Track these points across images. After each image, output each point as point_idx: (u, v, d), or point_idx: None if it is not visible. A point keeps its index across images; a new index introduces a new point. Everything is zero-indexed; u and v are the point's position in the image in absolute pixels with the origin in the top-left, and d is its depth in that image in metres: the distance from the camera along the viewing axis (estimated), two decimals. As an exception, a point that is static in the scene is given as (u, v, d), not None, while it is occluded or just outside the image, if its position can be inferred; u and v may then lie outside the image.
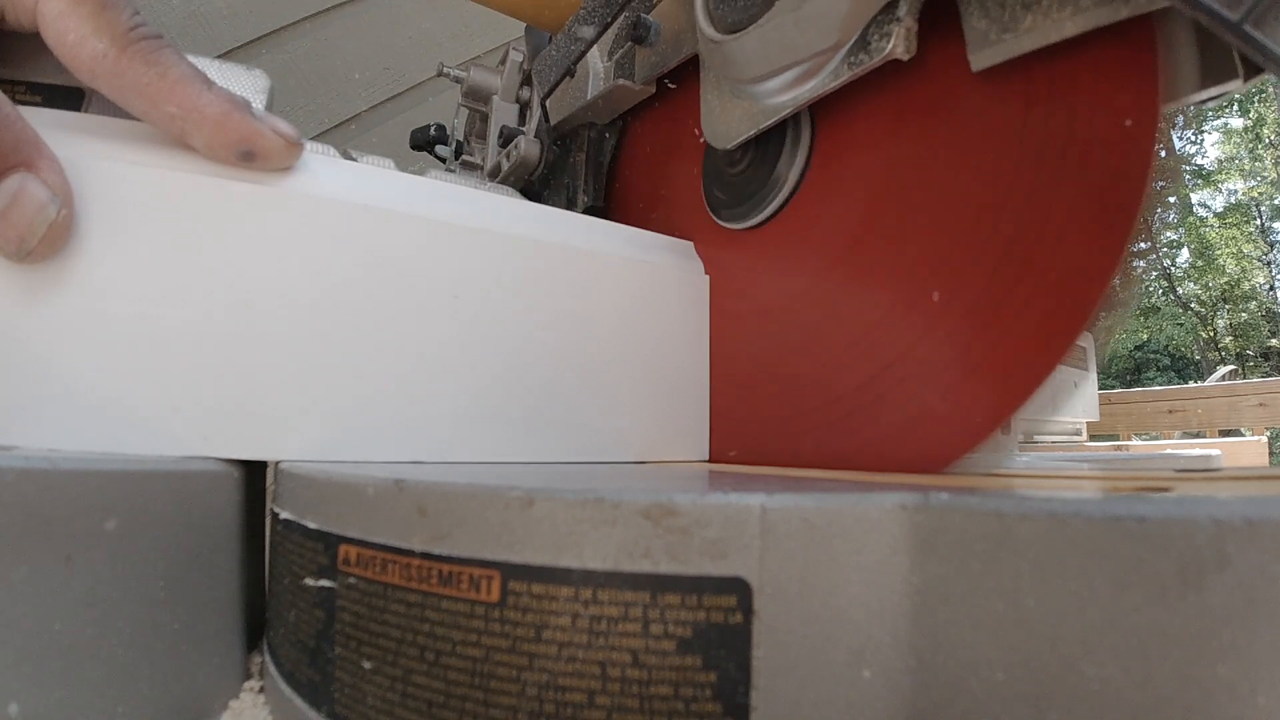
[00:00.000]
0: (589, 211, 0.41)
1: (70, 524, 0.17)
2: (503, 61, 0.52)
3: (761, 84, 0.28)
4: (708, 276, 0.34)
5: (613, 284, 0.30)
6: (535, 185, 0.45)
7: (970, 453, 0.24)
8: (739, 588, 0.14)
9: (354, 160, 0.28)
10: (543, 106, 0.44)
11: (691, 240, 0.35)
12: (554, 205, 0.43)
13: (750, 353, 0.32)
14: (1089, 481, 0.20)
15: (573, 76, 0.40)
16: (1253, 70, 0.20)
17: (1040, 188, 0.22)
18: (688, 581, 0.14)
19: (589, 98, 0.40)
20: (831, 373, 0.28)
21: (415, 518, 0.16)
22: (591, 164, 0.41)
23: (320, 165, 0.25)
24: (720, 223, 0.34)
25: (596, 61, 0.40)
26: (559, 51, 0.39)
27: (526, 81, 0.50)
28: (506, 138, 0.46)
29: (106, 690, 0.18)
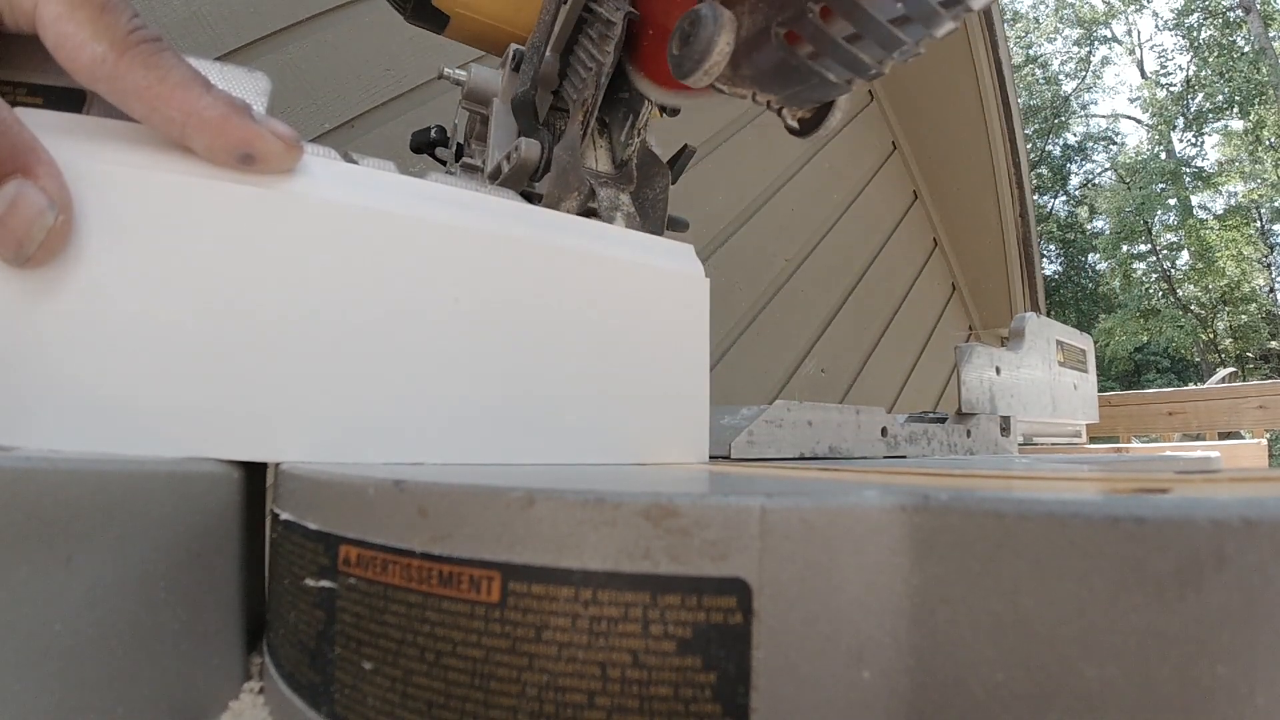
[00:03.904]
0: (626, 18, 0.40)
1: (70, 525, 0.17)
2: (503, 64, 0.52)
3: None
4: (708, 279, 0.34)
5: (614, 286, 0.30)
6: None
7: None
8: (739, 588, 0.14)
9: (355, 163, 0.28)
10: (535, 97, 0.44)
11: None
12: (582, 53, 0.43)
13: None
14: (1088, 483, 0.20)
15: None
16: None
17: None
18: (688, 582, 0.14)
19: None
20: None
21: (416, 518, 0.16)
22: None
23: (321, 168, 0.25)
24: None
25: None
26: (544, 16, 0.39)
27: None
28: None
29: (106, 690, 0.18)
